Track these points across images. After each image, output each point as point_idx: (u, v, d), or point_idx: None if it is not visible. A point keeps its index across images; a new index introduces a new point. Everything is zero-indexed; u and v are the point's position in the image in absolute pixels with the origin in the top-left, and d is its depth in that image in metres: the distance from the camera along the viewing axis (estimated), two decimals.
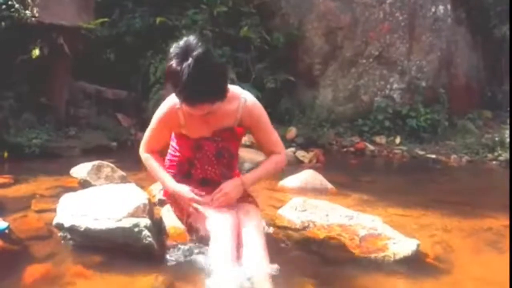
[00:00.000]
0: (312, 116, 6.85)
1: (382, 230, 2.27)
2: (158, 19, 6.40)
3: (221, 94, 1.83)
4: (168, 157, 2.22)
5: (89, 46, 5.66)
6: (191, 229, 2.10)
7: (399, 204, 3.22)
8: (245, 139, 5.03)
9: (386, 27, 6.97)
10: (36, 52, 4.54)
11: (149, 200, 2.22)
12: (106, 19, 5.70)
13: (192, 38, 1.78)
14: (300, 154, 5.33)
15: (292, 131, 6.32)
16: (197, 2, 6.64)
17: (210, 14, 6.60)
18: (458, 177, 5.21)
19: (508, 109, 6.49)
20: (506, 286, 1.85)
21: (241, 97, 2.03)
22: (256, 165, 2.24)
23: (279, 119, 6.33)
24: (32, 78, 4.84)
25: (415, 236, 2.29)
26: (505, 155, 5.73)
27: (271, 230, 2.38)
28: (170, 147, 2.21)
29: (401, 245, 2.12)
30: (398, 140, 6.60)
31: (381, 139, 6.62)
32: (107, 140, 5.27)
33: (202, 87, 1.74)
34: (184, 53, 1.74)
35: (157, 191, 2.79)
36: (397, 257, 2.07)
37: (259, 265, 1.79)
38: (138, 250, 1.93)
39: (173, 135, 2.17)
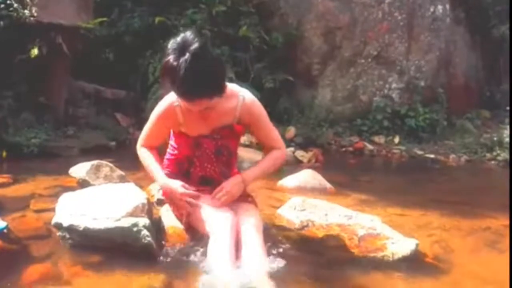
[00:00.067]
0: (311, 116, 6.85)
1: (381, 230, 2.27)
2: (157, 19, 6.40)
3: (219, 89, 1.83)
4: (167, 156, 2.22)
5: (88, 45, 5.65)
6: (190, 228, 2.10)
7: (398, 203, 3.22)
8: (244, 139, 5.03)
9: (385, 27, 6.97)
10: (35, 51, 4.53)
11: (148, 199, 2.22)
12: (105, 19, 5.69)
13: (189, 34, 1.78)
14: (299, 153, 5.34)
15: (291, 131, 6.32)
16: (196, 1, 6.63)
17: (209, 13, 6.60)
18: (456, 177, 5.22)
19: (507, 108, 6.49)
20: (506, 286, 1.85)
21: (240, 95, 2.04)
22: (255, 163, 2.24)
23: (278, 119, 6.33)
24: (30, 77, 4.83)
25: (414, 236, 2.29)
26: (504, 155, 5.75)
27: (270, 229, 2.38)
28: (169, 146, 2.21)
29: (400, 245, 2.13)
30: (397, 139, 6.61)
31: (380, 139, 6.62)
32: (106, 139, 5.26)
33: (200, 82, 1.74)
34: (181, 49, 1.74)
35: (156, 190, 2.79)
36: (396, 256, 2.07)
37: (258, 265, 1.79)
38: (137, 249, 1.93)
39: (172, 134, 2.17)
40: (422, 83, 7.06)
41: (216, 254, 1.79)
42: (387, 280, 1.93)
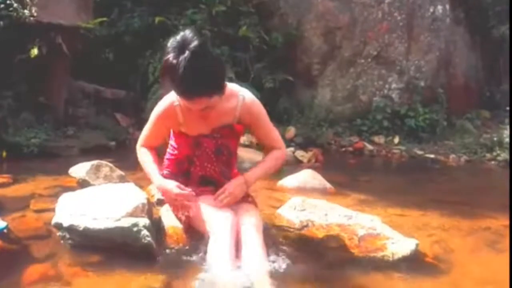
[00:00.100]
0: (311, 116, 6.85)
1: (381, 230, 2.27)
2: (157, 19, 6.40)
3: (218, 87, 1.83)
4: (167, 156, 2.22)
5: (88, 45, 5.65)
6: (190, 228, 2.10)
7: (398, 204, 3.22)
8: (244, 139, 5.03)
9: (385, 27, 6.98)
10: (35, 51, 4.53)
11: (148, 199, 2.21)
12: (105, 19, 5.69)
13: (188, 32, 1.78)
14: (299, 153, 5.34)
15: (291, 131, 6.32)
16: (196, 1, 6.63)
17: (209, 13, 6.60)
18: (456, 177, 5.22)
19: (507, 108, 6.49)
20: (505, 286, 1.85)
21: (239, 94, 2.04)
22: (255, 164, 2.24)
23: (278, 119, 6.33)
24: (30, 77, 4.83)
25: (414, 236, 2.29)
26: (504, 155, 5.74)
27: (270, 229, 2.38)
28: (169, 146, 2.21)
29: (400, 245, 2.12)
30: (396, 140, 6.61)
31: (379, 139, 6.62)
32: (105, 139, 5.26)
33: (199, 80, 1.74)
34: (181, 47, 1.74)
35: (156, 190, 2.78)
36: (396, 257, 2.07)
37: (258, 264, 1.79)
38: (137, 249, 1.93)
39: (172, 134, 2.17)
40: (422, 83, 7.06)
41: (216, 254, 1.79)
42: (387, 280, 1.93)
